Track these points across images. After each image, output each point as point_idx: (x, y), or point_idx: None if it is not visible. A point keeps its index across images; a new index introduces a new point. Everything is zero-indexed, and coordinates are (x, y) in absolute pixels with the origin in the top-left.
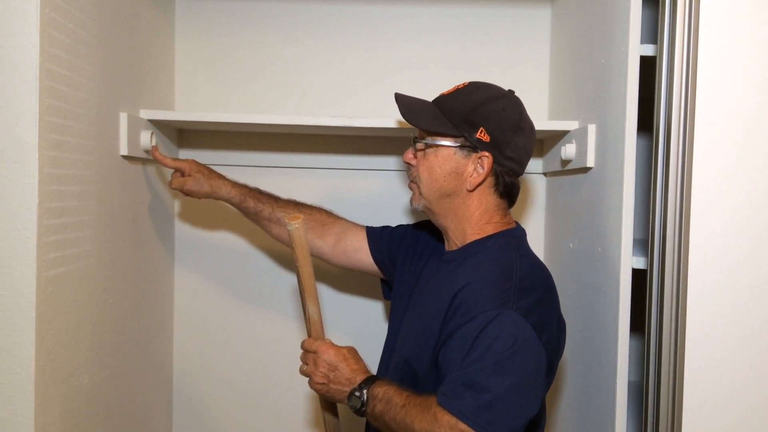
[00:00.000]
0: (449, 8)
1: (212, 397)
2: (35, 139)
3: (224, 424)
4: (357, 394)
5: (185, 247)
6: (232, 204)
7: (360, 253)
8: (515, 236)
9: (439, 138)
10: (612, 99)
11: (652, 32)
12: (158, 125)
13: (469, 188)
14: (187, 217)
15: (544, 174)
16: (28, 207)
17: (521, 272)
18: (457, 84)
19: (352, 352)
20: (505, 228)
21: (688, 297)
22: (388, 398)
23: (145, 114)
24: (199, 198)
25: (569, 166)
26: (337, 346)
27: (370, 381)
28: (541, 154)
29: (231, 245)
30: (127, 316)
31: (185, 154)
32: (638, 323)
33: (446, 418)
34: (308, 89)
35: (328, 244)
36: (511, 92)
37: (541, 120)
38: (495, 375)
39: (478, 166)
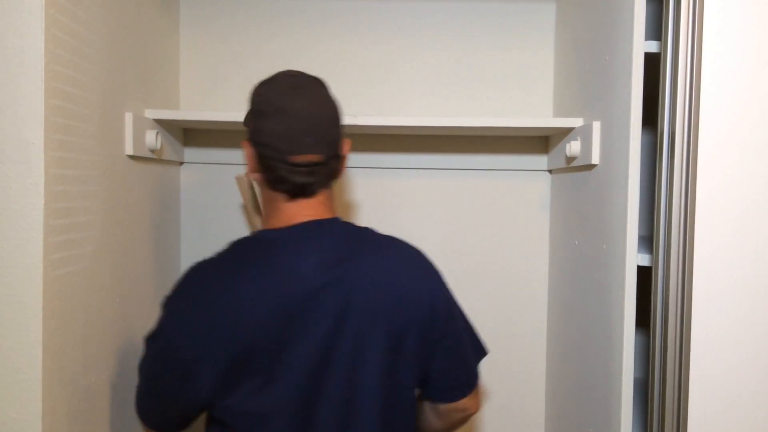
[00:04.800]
0: (453, 4)
1: None
2: (41, 140)
3: None
4: None
5: (191, 246)
6: None
7: None
8: (259, 239)
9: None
10: (616, 96)
11: (656, 29)
12: (163, 124)
13: (253, 179)
14: (193, 216)
15: (549, 171)
16: (34, 207)
17: (194, 271)
18: None
19: None
20: (274, 226)
21: (693, 294)
22: None
23: (151, 113)
24: None
25: (574, 164)
26: None
27: None
28: (545, 151)
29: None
30: (133, 315)
31: (191, 152)
32: (643, 320)
33: None
34: None
35: None
36: (281, 74)
37: (546, 117)
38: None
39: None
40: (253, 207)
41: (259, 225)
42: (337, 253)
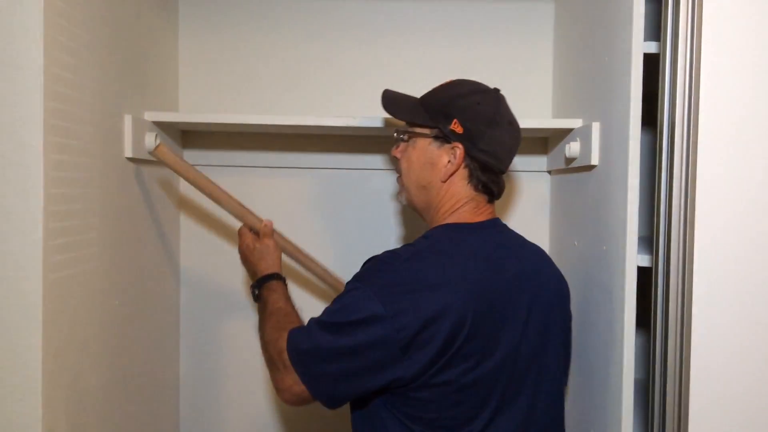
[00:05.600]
0: (451, 4)
1: (219, 397)
2: (40, 143)
3: (232, 424)
4: (253, 289)
5: (190, 248)
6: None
7: None
8: (464, 228)
9: (416, 128)
10: (616, 96)
11: (655, 29)
12: (162, 127)
13: (442, 179)
14: (192, 218)
15: (549, 172)
16: (33, 210)
17: (399, 257)
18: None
19: (262, 245)
20: (468, 221)
21: (693, 294)
22: (267, 300)
23: (150, 116)
24: None
25: (573, 164)
26: (249, 236)
27: (267, 279)
28: (545, 152)
29: (236, 245)
30: (133, 317)
31: (189, 154)
32: (643, 320)
33: (284, 337)
34: (312, 89)
35: None
36: (495, 90)
37: (545, 118)
38: (325, 330)
39: (451, 157)
40: (206, 180)
41: (229, 197)
42: (515, 245)
